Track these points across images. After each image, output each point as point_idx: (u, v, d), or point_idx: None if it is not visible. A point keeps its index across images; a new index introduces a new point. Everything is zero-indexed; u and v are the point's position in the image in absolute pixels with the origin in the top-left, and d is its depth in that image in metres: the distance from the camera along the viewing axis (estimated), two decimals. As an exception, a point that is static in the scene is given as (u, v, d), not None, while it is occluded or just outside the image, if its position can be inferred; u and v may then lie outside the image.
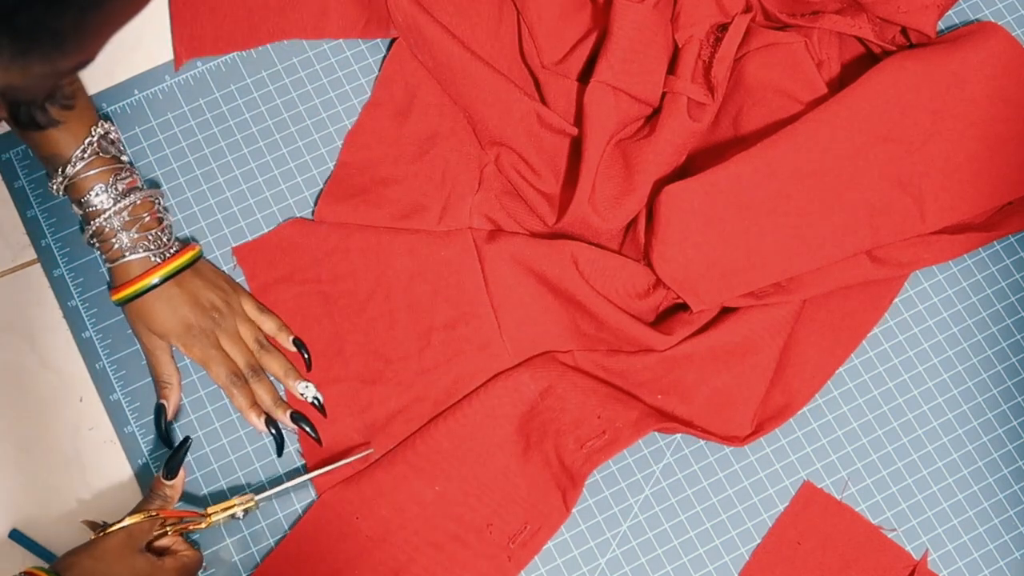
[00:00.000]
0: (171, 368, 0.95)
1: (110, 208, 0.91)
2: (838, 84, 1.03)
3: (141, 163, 1.01)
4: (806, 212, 0.97)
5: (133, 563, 0.83)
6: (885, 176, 0.98)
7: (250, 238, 1.00)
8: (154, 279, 0.92)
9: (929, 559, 0.96)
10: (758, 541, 0.96)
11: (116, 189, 0.92)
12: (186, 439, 0.90)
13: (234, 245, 1.00)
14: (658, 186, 0.98)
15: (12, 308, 0.98)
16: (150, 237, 0.93)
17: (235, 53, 1.05)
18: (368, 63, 1.06)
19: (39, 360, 0.97)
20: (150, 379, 0.96)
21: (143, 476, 0.94)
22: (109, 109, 1.02)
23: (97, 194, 0.91)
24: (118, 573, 0.82)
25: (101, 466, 0.95)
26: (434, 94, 1.04)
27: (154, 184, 1.01)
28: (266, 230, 1.00)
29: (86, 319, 0.97)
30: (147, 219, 0.93)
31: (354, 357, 0.97)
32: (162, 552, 0.87)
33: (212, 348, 0.93)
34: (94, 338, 0.97)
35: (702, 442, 0.98)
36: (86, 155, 0.91)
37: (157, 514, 0.87)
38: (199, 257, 0.96)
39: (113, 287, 0.94)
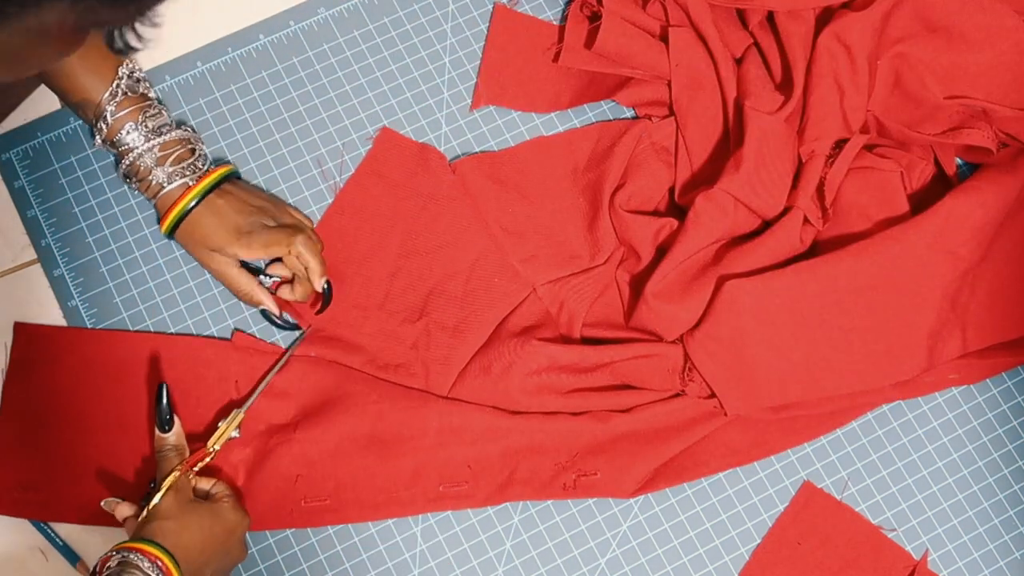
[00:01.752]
0: (245, 280, 0.95)
1: (141, 145, 0.93)
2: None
3: (141, 163, 1.01)
4: (863, 329, 0.94)
5: (197, 512, 0.86)
6: (944, 295, 0.95)
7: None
8: (192, 198, 0.93)
9: (929, 559, 0.96)
10: (758, 541, 0.96)
11: (147, 127, 0.93)
12: (160, 386, 0.90)
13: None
14: (714, 275, 0.97)
15: (12, 308, 0.97)
16: (185, 166, 0.94)
17: (235, 53, 1.05)
18: (368, 63, 1.06)
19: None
20: (150, 379, 0.96)
21: (143, 476, 0.94)
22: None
23: (128, 132, 0.93)
24: (194, 523, 0.85)
25: (101, 466, 0.95)
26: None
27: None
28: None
29: (86, 319, 0.97)
30: (180, 151, 0.94)
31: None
32: (203, 496, 0.89)
33: (272, 234, 0.93)
34: (94, 338, 0.97)
35: (702, 442, 0.98)
36: (117, 97, 0.93)
37: (181, 470, 0.89)
38: (235, 173, 0.97)
39: (159, 221, 0.95)
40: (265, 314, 0.96)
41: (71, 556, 0.92)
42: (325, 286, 0.95)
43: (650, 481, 0.95)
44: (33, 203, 1.00)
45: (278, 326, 0.97)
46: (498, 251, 1.00)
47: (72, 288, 0.98)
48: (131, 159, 0.93)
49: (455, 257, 1.00)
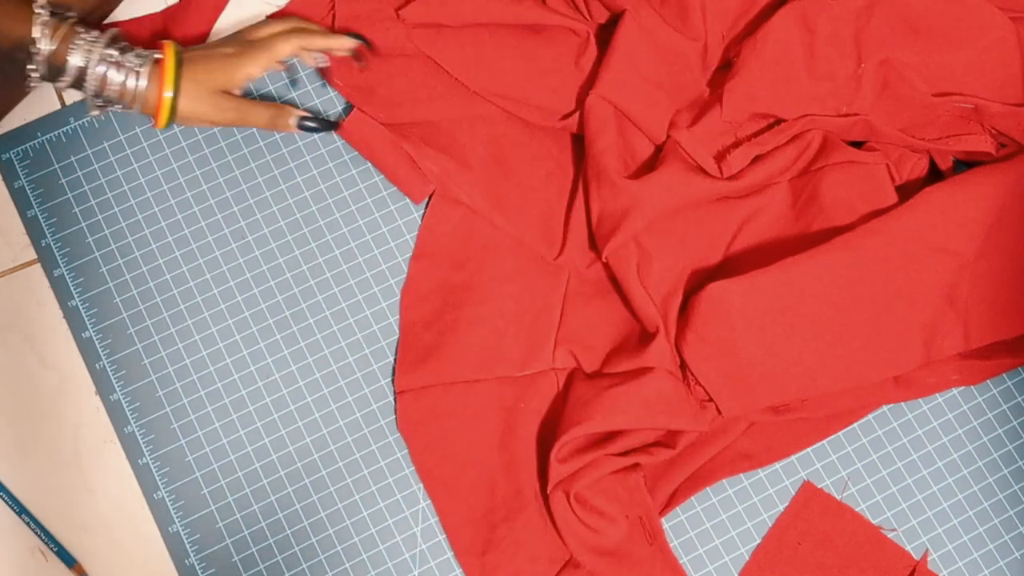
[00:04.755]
0: (265, 106, 0.96)
1: (96, 54, 0.89)
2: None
3: (141, 163, 1.01)
4: (854, 324, 0.94)
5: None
6: (936, 290, 0.95)
7: (250, 238, 1.00)
8: (169, 88, 0.91)
9: (929, 559, 0.96)
10: (758, 541, 0.96)
11: (91, 36, 0.89)
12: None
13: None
14: (699, 281, 0.97)
15: (12, 308, 0.98)
16: (140, 54, 0.91)
17: (235, 53, 1.05)
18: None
19: (39, 360, 0.97)
20: (150, 379, 0.96)
21: (143, 476, 0.94)
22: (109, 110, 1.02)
23: (74, 51, 0.88)
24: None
25: (101, 466, 0.95)
26: (486, 236, 1.01)
27: (155, 184, 1.01)
28: (266, 230, 1.00)
29: (86, 319, 0.97)
30: (125, 44, 0.91)
31: (459, 527, 0.95)
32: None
33: (266, 36, 0.95)
34: (94, 338, 0.97)
35: (702, 442, 0.98)
36: (44, 21, 0.88)
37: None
38: (179, 49, 0.93)
39: (154, 120, 0.93)
40: (304, 126, 0.96)
41: (68, 559, 0.92)
42: (354, 40, 0.98)
43: (671, 499, 0.96)
44: (33, 203, 1.00)
45: (319, 129, 0.97)
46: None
47: (72, 288, 0.98)
48: (96, 70, 0.89)
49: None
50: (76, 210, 1.00)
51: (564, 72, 1.03)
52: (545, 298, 0.99)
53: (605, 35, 1.04)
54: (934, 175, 1.03)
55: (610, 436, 0.93)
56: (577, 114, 1.01)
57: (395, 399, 0.97)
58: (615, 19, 1.03)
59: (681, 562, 0.95)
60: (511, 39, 1.03)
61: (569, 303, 0.99)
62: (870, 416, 0.99)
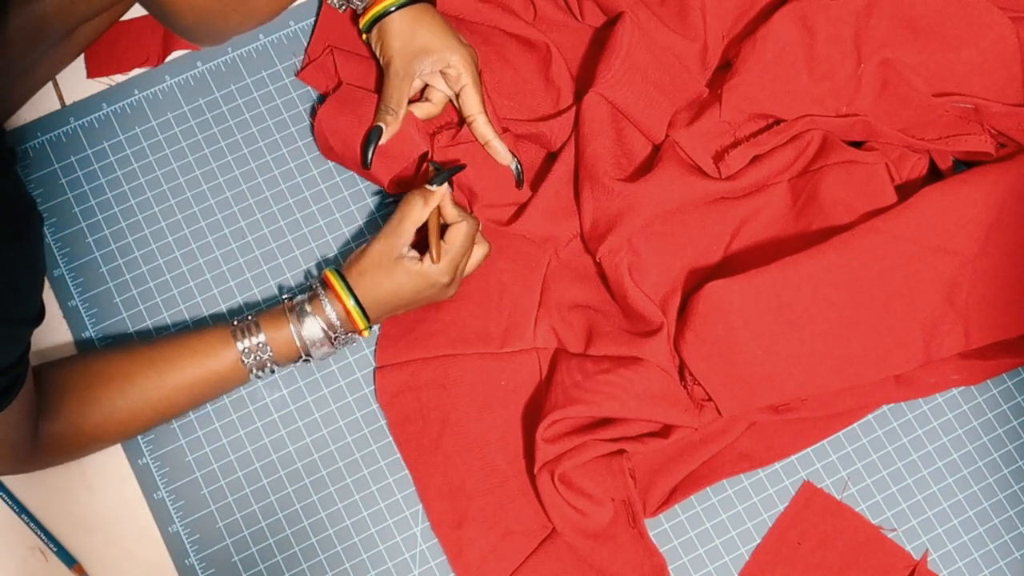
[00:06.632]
0: (403, 97, 0.97)
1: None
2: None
3: (141, 163, 1.01)
4: (854, 323, 0.94)
5: (392, 273, 0.91)
6: (936, 289, 0.95)
7: (250, 238, 1.00)
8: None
9: (929, 559, 0.96)
10: (758, 541, 0.96)
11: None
12: (461, 166, 0.94)
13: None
14: (698, 280, 0.97)
15: (12, 308, 0.97)
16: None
17: (235, 53, 1.05)
18: (368, 63, 1.06)
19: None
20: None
21: (143, 476, 0.94)
22: (109, 109, 1.02)
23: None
24: (385, 284, 0.91)
25: (101, 466, 0.95)
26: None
27: (155, 184, 1.01)
28: (266, 230, 1.01)
29: (86, 319, 0.97)
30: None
31: (435, 500, 0.95)
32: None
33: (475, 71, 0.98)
34: (94, 338, 0.97)
35: (702, 442, 0.98)
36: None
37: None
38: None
39: (363, 13, 0.98)
40: (372, 137, 0.95)
41: (68, 559, 0.92)
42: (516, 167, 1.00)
43: (670, 495, 0.96)
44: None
45: (364, 158, 0.96)
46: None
47: (72, 288, 0.98)
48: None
49: None
50: (76, 210, 1.00)
51: (537, 88, 1.04)
52: (526, 278, 0.99)
53: (601, 37, 1.04)
54: (934, 175, 1.03)
55: (603, 422, 0.94)
56: (554, 121, 1.01)
57: (375, 373, 0.97)
58: (611, 22, 1.03)
59: (681, 562, 0.95)
60: (491, 49, 1.04)
61: (551, 283, 0.99)
62: (870, 416, 0.99)
